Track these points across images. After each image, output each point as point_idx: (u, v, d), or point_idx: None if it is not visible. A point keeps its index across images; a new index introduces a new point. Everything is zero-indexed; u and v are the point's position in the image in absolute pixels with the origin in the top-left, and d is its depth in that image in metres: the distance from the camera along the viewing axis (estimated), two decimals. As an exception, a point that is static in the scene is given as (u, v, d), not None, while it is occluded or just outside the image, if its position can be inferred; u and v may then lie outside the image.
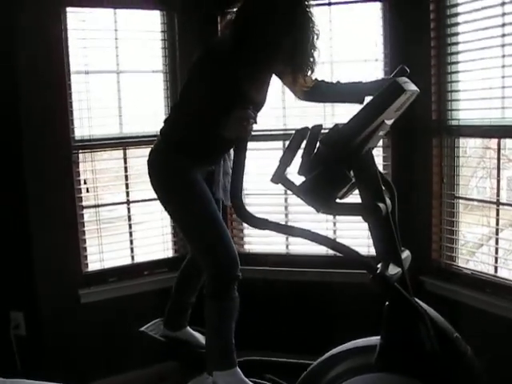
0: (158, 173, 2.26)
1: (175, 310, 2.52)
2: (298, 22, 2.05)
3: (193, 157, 2.20)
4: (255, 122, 2.04)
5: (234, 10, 2.21)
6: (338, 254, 1.96)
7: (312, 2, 2.12)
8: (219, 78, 2.05)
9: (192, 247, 2.40)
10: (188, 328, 2.53)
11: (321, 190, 1.83)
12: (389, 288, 1.75)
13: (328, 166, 1.81)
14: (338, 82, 2.30)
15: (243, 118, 1.99)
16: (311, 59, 2.14)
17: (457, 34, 2.80)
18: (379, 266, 1.81)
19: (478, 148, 3.20)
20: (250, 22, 2.05)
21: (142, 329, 2.60)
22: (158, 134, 2.32)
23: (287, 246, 3.34)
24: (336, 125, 1.85)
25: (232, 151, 2.44)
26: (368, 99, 2.18)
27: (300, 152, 1.91)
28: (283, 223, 1.98)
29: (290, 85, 2.31)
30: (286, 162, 1.88)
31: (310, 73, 2.18)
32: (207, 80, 2.07)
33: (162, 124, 2.32)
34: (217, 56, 2.10)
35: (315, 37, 2.12)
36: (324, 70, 3.11)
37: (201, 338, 2.49)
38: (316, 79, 2.27)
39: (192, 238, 2.30)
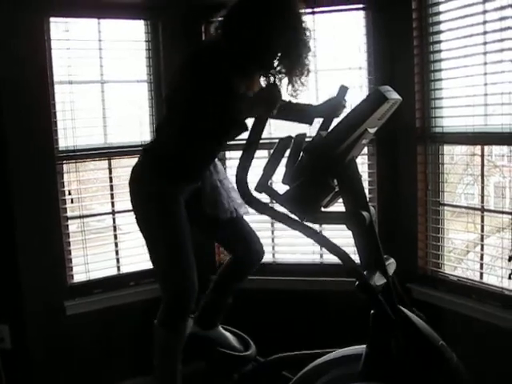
0: (138, 193, 2.27)
1: (210, 308, 2.48)
2: (289, 26, 2.07)
3: (177, 177, 2.20)
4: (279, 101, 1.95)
5: (219, 19, 2.22)
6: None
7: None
8: (213, 82, 2.03)
9: (156, 268, 2.36)
10: (220, 327, 2.50)
11: (304, 198, 1.84)
12: (371, 296, 1.75)
13: (311, 175, 1.82)
14: (290, 101, 2.36)
15: (274, 91, 1.94)
16: (306, 62, 2.17)
17: (439, 41, 2.82)
18: (364, 273, 1.81)
19: (465, 155, 3.22)
20: (240, 26, 2.06)
21: None
22: (142, 150, 2.31)
23: (273, 255, 3.33)
24: (319, 133, 1.86)
25: (217, 163, 2.44)
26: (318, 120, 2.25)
27: (284, 161, 1.91)
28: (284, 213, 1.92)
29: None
30: (269, 171, 1.89)
31: (306, 74, 2.19)
32: (201, 85, 2.04)
33: (149, 141, 2.31)
34: (209, 61, 2.07)
35: (307, 39, 2.14)
36: (308, 78, 3.13)
37: (232, 339, 2.48)
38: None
39: (153, 260, 2.31)
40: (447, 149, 3.02)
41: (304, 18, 2.12)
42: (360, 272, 1.78)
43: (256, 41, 2.05)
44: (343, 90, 2.26)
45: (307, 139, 1.94)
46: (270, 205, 2.00)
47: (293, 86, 2.21)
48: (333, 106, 2.27)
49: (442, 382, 1.79)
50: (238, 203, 2.41)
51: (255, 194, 1.92)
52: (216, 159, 2.44)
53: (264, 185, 1.88)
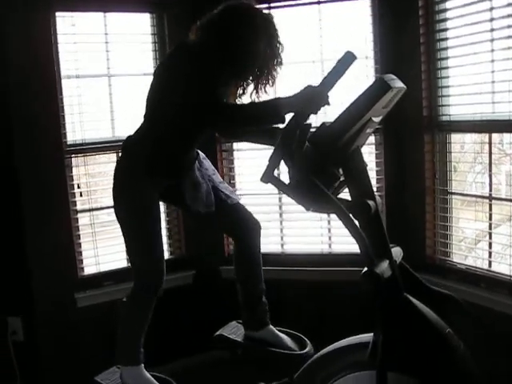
0: (114, 187, 2.35)
1: (248, 304, 2.46)
2: (266, 41, 2.16)
3: (158, 175, 2.26)
4: (328, 103, 1.92)
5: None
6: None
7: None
8: (204, 76, 2.07)
9: (128, 249, 2.47)
10: (271, 327, 2.46)
11: (310, 188, 1.83)
12: (378, 285, 1.75)
13: (316, 164, 1.82)
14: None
15: (319, 92, 1.88)
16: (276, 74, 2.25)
17: (446, 29, 2.81)
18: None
19: (475, 143, 3.20)
20: (219, 36, 2.14)
21: (219, 332, 2.51)
22: (121, 150, 2.36)
23: (282, 246, 3.34)
24: (323, 123, 1.86)
25: (203, 161, 2.46)
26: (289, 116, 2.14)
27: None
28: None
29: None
30: (274, 161, 1.88)
31: (272, 84, 2.27)
32: (191, 78, 2.08)
33: (126, 139, 2.35)
34: (199, 57, 2.12)
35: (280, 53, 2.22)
36: (315, 68, 3.13)
37: (286, 340, 2.44)
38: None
39: (127, 247, 2.42)
40: (457, 137, 3.01)
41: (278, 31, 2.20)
42: (372, 258, 1.76)
43: (234, 52, 2.14)
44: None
45: (312, 129, 1.93)
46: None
47: (257, 92, 2.28)
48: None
49: (449, 370, 1.78)
50: (228, 192, 2.47)
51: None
52: (202, 157, 2.45)
53: (270, 175, 1.87)
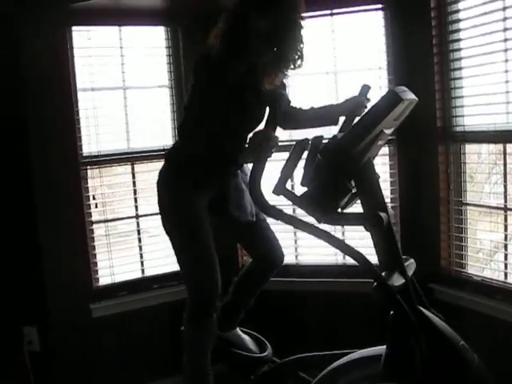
0: (162, 197, 2.32)
1: (228, 311, 2.50)
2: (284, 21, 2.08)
3: (200, 180, 2.23)
4: (276, 144, 2.03)
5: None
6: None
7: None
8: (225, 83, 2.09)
9: (181, 267, 2.40)
10: (238, 329, 2.52)
11: (322, 200, 1.84)
12: (389, 297, 1.75)
13: (328, 177, 1.83)
14: (312, 107, 2.40)
15: (265, 137, 2.00)
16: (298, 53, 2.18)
17: (459, 40, 2.79)
18: (382, 274, 1.81)
19: (491, 154, 3.17)
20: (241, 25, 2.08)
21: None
22: (166, 153, 2.35)
23: (296, 257, 3.34)
24: (335, 135, 1.87)
25: (244, 166, 2.44)
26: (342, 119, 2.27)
27: (302, 163, 1.92)
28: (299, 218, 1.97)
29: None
30: (286, 173, 1.90)
31: (298, 63, 2.20)
32: (212, 85, 2.09)
33: (169, 149, 2.35)
34: (219, 64, 2.10)
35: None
36: (328, 80, 3.14)
37: (248, 341, 2.50)
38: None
39: (178, 261, 2.37)
40: (473, 148, 2.99)
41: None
42: (376, 272, 1.78)
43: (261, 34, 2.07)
44: (365, 88, 2.29)
45: (324, 141, 1.94)
46: (286, 211, 2.00)
47: (277, 74, 2.24)
48: (355, 104, 2.28)
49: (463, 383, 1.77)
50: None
51: (270, 200, 1.93)
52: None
53: (281, 187, 1.89)
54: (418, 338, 1.80)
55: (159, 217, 2.37)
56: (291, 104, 2.47)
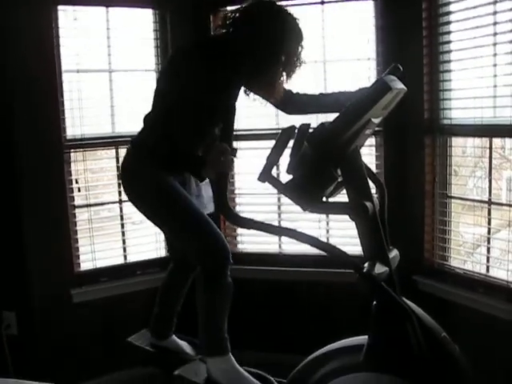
0: (133, 187, 2.25)
1: (161, 319, 2.49)
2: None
3: (167, 166, 2.17)
4: (234, 156, 2.02)
5: (227, 9, 2.19)
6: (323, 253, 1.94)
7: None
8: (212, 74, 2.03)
9: (180, 239, 2.30)
10: (174, 337, 2.50)
11: (307, 188, 1.83)
12: (375, 287, 1.74)
13: (314, 165, 1.81)
14: (321, 93, 2.31)
15: (222, 151, 1.98)
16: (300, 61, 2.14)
17: (449, 32, 2.79)
18: (366, 265, 1.80)
19: (476, 147, 3.18)
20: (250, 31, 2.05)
21: (129, 339, 2.55)
22: (130, 142, 2.28)
23: (280, 246, 3.33)
24: (322, 123, 1.85)
25: None
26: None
27: (288, 151, 1.90)
28: (269, 223, 1.99)
29: (269, 95, 2.25)
30: (272, 161, 1.87)
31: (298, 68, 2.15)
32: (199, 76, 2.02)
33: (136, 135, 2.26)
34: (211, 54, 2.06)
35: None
36: (317, 69, 3.12)
37: (186, 347, 2.48)
38: (290, 91, 2.28)
39: (177, 236, 2.29)
40: (459, 141, 2.99)
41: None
42: (353, 262, 1.78)
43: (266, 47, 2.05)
44: (395, 68, 2.04)
45: (310, 129, 1.92)
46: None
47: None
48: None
49: (444, 374, 1.77)
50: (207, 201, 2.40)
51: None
52: None
53: (267, 175, 1.86)
54: (412, 323, 1.79)
55: (139, 210, 2.29)
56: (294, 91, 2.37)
